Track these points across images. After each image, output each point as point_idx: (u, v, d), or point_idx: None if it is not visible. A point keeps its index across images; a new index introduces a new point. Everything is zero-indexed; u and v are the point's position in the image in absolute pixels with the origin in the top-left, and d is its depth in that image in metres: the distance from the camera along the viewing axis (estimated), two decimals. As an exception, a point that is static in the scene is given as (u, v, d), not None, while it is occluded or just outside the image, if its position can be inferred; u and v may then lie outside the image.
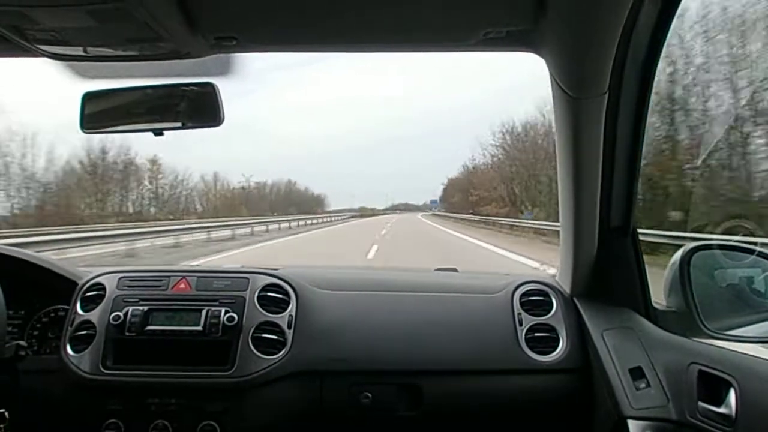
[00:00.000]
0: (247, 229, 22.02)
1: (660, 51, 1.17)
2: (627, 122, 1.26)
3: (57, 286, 1.54)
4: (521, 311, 1.50)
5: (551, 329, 1.47)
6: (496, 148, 32.67)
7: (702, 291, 1.28)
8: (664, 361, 1.27)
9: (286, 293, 1.48)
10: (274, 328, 1.41)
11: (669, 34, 1.15)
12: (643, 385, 1.26)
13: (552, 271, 1.67)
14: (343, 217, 50.25)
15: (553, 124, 1.33)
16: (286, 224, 28.10)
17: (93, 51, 1.13)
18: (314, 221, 35.45)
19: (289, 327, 1.43)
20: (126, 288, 1.47)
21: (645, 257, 1.43)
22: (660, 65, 1.21)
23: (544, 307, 1.51)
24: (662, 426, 1.20)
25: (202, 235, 18.04)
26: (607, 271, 1.45)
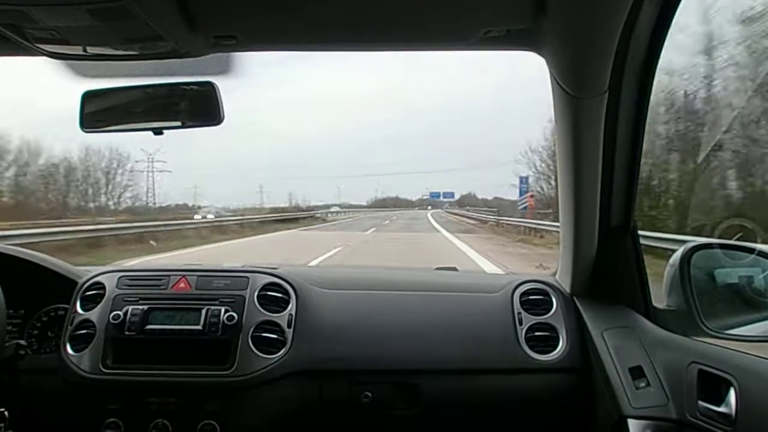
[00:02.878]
0: None
1: (660, 50, 1.17)
2: (627, 121, 1.26)
3: (56, 286, 1.54)
4: (521, 310, 1.50)
5: (551, 328, 1.47)
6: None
7: (702, 290, 1.28)
8: (664, 361, 1.27)
9: (286, 292, 1.48)
10: (273, 327, 1.41)
11: (668, 33, 1.15)
12: (643, 384, 1.26)
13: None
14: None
15: (553, 124, 1.33)
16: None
17: (93, 50, 1.13)
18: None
19: (289, 326, 1.43)
20: (126, 287, 1.47)
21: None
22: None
23: (544, 306, 1.51)
24: (662, 425, 1.20)
25: None
26: (607, 271, 1.45)
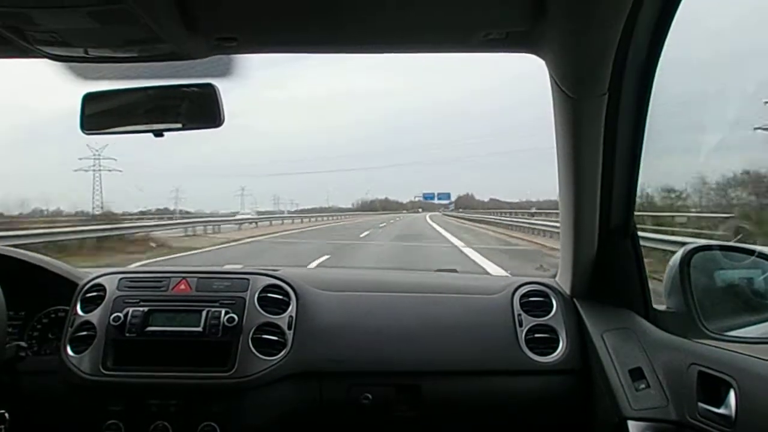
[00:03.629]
0: None
1: (660, 51, 1.17)
2: (627, 123, 1.26)
3: (57, 287, 1.54)
4: (521, 312, 1.50)
5: (551, 330, 1.47)
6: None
7: (702, 292, 1.28)
8: (664, 362, 1.27)
9: (287, 294, 1.48)
10: (274, 329, 1.41)
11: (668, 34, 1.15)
12: (643, 386, 1.26)
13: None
14: None
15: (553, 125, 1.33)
16: None
17: (93, 52, 1.13)
18: None
19: (290, 328, 1.43)
20: (126, 289, 1.47)
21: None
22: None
23: (544, 308, 1.51)
24: (662, 427, 1.20)
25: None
26: (607, 272, 1.45)
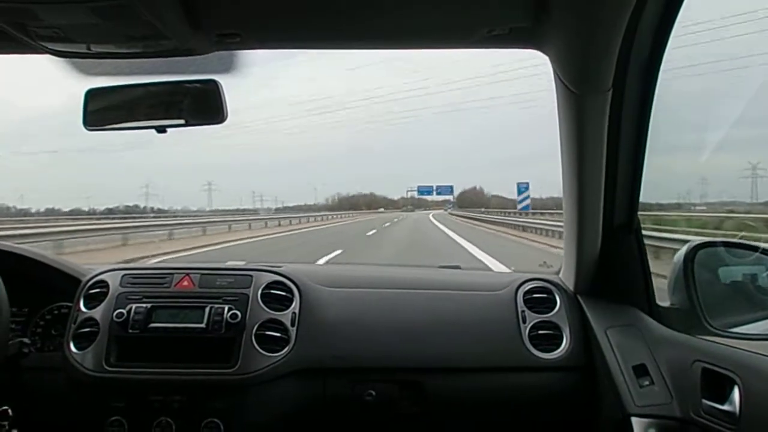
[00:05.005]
0: None
1: (665, 47, 1.17)
2: (631, 119, 1.26)
3: (60, 284, 1.54)
4: (525, 308, 1.50)
5: (555, 327, 1.47)
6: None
7: (706, 288, 1.28)
8: (667, 359, 1.27)
9: (290, 291, 1.49)
10: (277, 325, 1.41)
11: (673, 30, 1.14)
12: (646, 382, 1.26)
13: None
14: None
15: (556, 121, 1.33)
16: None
17: (96, 48, 1.13)
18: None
19: (293, 324, 1.43)
20: (129, 285, 1.47)
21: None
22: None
23: (547, 304, 1.51)
24: (666, 423, 1.20)
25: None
26: (611, 269, 1.44)
